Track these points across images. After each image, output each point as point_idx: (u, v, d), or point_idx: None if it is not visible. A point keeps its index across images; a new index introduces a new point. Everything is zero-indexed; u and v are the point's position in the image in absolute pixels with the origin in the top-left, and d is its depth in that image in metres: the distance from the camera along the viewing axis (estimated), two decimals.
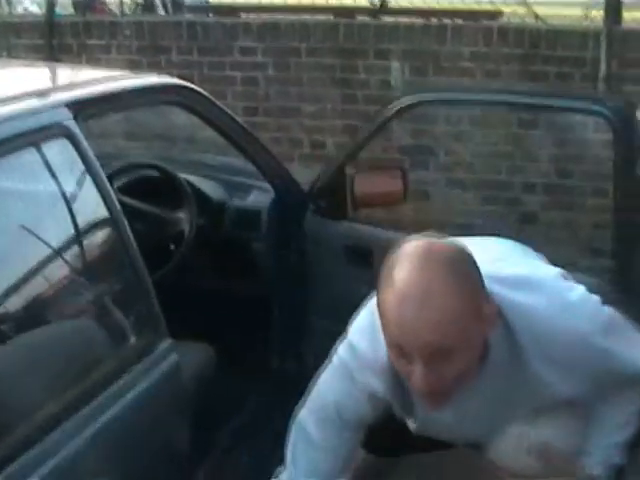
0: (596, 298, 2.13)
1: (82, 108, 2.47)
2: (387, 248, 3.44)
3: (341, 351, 2.22)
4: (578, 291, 2.12)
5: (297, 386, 3.84)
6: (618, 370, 2.12)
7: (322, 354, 3.78)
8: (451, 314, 1.78)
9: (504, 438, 2.29)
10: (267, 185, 3.70)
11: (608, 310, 2.12)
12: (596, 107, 3.10)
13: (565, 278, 2.20)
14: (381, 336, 1.93)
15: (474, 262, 1.90)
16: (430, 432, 2.30)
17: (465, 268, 1.87)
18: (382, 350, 1.99)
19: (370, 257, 3.50)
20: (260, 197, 3.79)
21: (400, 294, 1.81)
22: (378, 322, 1.92)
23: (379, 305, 1.89)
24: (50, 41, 6.50)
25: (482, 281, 1.89)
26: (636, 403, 2.28)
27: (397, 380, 2.06)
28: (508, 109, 5.44)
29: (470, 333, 1.84)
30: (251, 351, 3.74)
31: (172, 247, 3.60)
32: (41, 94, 2.52)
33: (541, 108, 3.91)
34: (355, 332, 2.18)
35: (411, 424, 2.28)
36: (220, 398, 3.27)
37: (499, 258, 2.16)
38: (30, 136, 2.25)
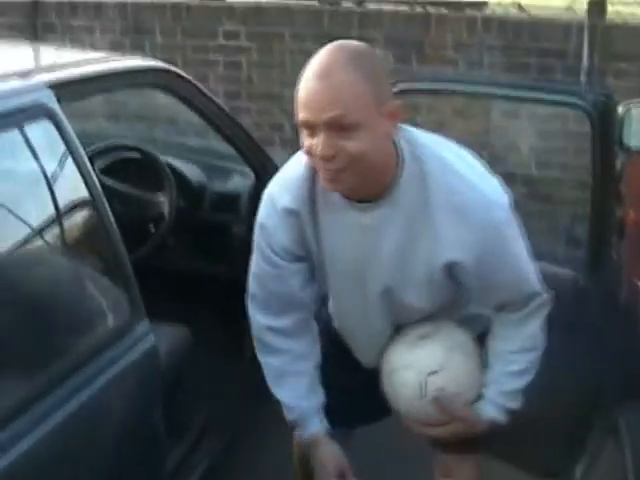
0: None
1: (65, 89, 2.47)
2: None
3: (267, 187, 2.44)
4: (495, 178, 2.26)
5: None
6: (501, 261, 2.27)
7: None
8: (349, 87, 2.02)
9: (402, 381, 2.35)
10: (247, 169, 3.71)
11: None
12: (575, 100, 3.11)
13: None
14: (301, 161, 2.25)
15: (385, 69, 2.18)
16: (335, 269, 2.38)
17: (372, 62, 2.12)
18: (300, 169, 2.27)
19: None
20: (240, 181, 3.80)
21: (308, 72, 2.07)
22: (301, 156, 2.24)
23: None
24: (34, 21, 6.47)
25: (388, 83, 2.17)
26: (534, 350, 2.37)
27: (310, 194, 2.28)
28: (488, 100, 5.45)
29: (369, 113, 2.05)
30: (228, 334, 3.75)
31: (152, 229, 3.62)
32: (24, 74, 2.53)
33: (520, 100, 3.92)
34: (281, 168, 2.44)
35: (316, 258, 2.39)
36: (197, 380, 3.29)
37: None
38: (12, 117, 2.24)
